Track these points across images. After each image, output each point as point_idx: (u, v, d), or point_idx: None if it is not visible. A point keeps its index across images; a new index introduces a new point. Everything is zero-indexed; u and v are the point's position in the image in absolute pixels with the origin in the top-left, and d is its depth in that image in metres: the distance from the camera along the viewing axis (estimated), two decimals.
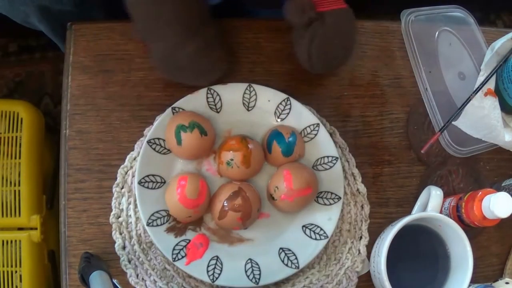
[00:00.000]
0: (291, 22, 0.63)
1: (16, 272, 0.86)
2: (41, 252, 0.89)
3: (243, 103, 0.67)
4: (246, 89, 0.67)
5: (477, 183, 0.71)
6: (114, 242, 0.64)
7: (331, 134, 0.68)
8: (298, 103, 0.67)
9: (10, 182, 0.87)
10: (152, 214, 0.62)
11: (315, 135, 0.67)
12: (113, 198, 0.65)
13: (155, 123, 0.65)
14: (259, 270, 0.63)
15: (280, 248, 0.64)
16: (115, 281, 0.56)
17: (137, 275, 0.63)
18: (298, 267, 0.63)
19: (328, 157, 0.66)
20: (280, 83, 0.70)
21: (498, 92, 0.69)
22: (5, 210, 0.86)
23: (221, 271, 0.62)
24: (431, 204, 0.64)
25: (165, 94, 0.69)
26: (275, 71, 0.71)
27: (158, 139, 0.64)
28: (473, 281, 0.61)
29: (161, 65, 0.64)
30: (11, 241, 0.86)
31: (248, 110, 0.67)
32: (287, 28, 0.66)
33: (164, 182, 0.64)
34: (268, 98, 0.67)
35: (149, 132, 0.64)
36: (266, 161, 0.66)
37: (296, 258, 0.63)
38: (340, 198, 0.65)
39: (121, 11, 0.60)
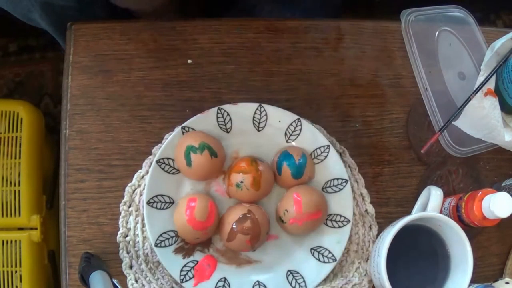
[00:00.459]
0: None
1: (16, 272, 0.86)
2: (41, 252, 0.89)
3: (253, 123, 0.67)
4: (257, 109, 0.66)
5: (477, 183, 0.71)
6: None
7: (340, 154, 0.68)
8: (309, 124, 0.67)
9: (10, 182, 0.87)
10: (160, 235, 0.62)
11: (325, 157, 0.66)
12: (120, 216, 0.65)
13: (165, 143, 0.64)
14: None
15: (288, 271, 0.64)
16: (115, 281, 0.56)
17: None
18: None
19: (337, 179, 0.66)
20: (279, 83, 0.70)
21: (498, 92, 0.69)
22: (5, 210, 0.86)
23: None
24: (431, 204, 0.64)
25: (164, 94, 0.69)
26: (275, 71, 0.71)
27: (167, 158, 0.64)
28: (473, 281, 0.61)
29: None
30: (11, 241, 0.86)
31: (258, 130, 0.67)
32: (287, 28, 0.66)
33: (173, 203, 0.64)
34: (279, 118, 0.67)
35: (158, 152, 0.64)
36: (276, 183, 0.66)
37: (304, 281, 0.64)
38: (349, 221, 0.65)
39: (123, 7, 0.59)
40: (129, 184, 0.66)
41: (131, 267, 0.64)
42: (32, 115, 0.91)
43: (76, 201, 0.65)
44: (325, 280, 0.65)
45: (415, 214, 0.64)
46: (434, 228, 0.64)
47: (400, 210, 0.69)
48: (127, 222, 0.65)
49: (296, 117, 0.67)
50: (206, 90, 0.70)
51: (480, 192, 0.62)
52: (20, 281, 0.85)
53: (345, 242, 0.65)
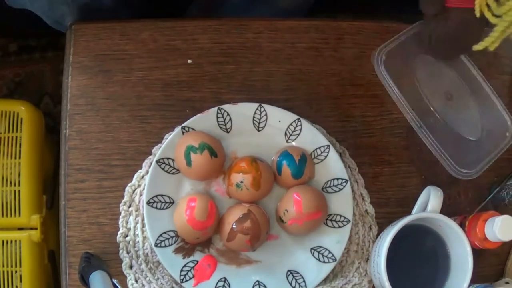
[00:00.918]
0: (422, 10, 0.63)
1: (16, 272, 0.85)
2: (41, 252, 0.88)
3: (253, 123, 0.67)
4: (257, 109, 0.66)
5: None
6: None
7: (340, 154, 0.68)
8: (309, 124, 0.67)
9: (10, 182, 0.87)
10: (160, 235, 0.62)
11: (325, 156, 0.67)
12: (120, 216, 0.65)
13: (165, 143, 0.64)
14: None
15: (288, 270, 0.64)
16: (115, 281, 0.56)
17: None
18: None
19: (337, 179, 0.66)
20: (279, 83, 0.70)
21: None
22: (5, 210, 0.86)
23: None
24: (431, 204, 0.64)
25: (164, 94, 0.69)
26: (275, 71, 0.71)
27: (167, 158, 0.64)
28: (473, 281, 0.61)
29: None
30: (11, 241, 0.86)
31: (258, 130, 0.67)
32: (287, 28, 0.66)
33: (173, 203, 0.64)
34: (279, 118, 0.67)
35: (158, 152, 0.64)
36: (276, 183, 0.66)
37: (304, 281, 0.64)
38: (349, 221, 0.65)
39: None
40: (129, 184, 0.66)
41: (131, 267, 0.64)
42: (32, 115, 0.91)
43: (76, 201, 0.65)
44: (325, 280, 0.65)
45: (415, 214, 0.64)
46: (434, 228, 0.64)
47: (400, 210, 0.69)
48: (127, 222, 0.65)
49: (296, 117, 0.67)
50: (206, 90, 0.70)
51: (486, 213, 0.62)
52: (20, 281, 0.85)
53: (345, 242, 0.65)
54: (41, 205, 0.90)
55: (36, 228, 0.86)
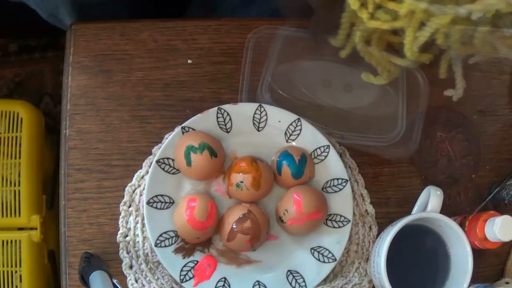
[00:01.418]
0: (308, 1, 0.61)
1: (16, 272, 0.85)
2: (41, 252, 0.88)
3: (253, 123, 0.67)
4: (257, 109, 0.66)
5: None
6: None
7: (340, 154, 0.68)
8: (309, 124, 0.67)
9: (10, 182, 0.87)
10: (160, 235, 0.62)
11: (325, 156, 0.66)
12: (120, 216, 0.65)
13: (165, 143, 0.64)
14: None
15: (288, 270, 0.64)
16: (115, 281, 0.56)
17: None
18: None
19: (337, 179, 0.66)
20: None
21: None
22: (5, 210, 0.86)
23: None
24: (431, 204, 0.64)
25: (164, 94, 0.69)
26: None
27: (167, 158, 0.64)
28: (473, 281, 0.61)
29: None
30: (11, 241, 0.86)
31: (258, 130, 0.67)
32: None
33: (173, 203, 0.64)
34: (279, 118, 0.66)
35: (158, 152, 0.64)
36: (276, 183, 0.66)
37: (304, 281, 0.64)
38: (349, 221, 0.65)
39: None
40: (129, 184, 0.66)
41: (131, 267, 0.64)
42: (32, 115, 0.91)
43: (76, 201, 0.65)
44: (325, 280, 0.65)
45: (415, 214, 0.64)
46: (434, 228, 0.64)
47: (400, 210, 0.69)
48: (127, 222, 0.65)
49: (296, 117, 0.66)
50: (206, 90, 0.70)
51: (486, 214, 0.62)
52: (20, 281, 0.85)
53: (345, 242, 0.65)
54: (41, 205, 0.90)
55: (36, 228, 0.86)
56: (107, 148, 0.67)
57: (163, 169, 0.64)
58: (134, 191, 0.66)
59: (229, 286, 0.63)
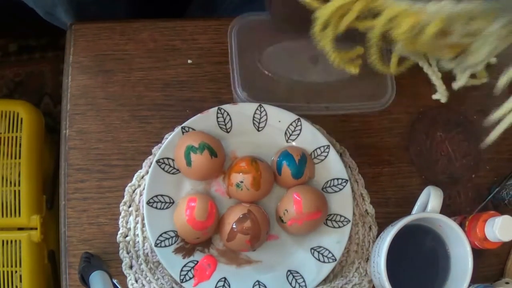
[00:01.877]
0: None
1: (16, 272, 0.86)
2: (41, 252, 0.89)
3: (253, 123, 0.66)
4: (257, 109, 0.66)
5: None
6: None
7: (340, 154, 0.68)
8: (309, 124, 0.67)
9: (10, 182, 0.87)
10: (160, 235, 0.62)
11: (325, 156, 0.66)
12: (120, 216, 0.65)
13: (165, 143, 0.64)
14: None
15: (288, 271, 0.64)
16: (115, 281, 0.56)
17: None
18: None
19: (337, 179, 0.66)
20: None
21: None
22: (5, 210, 0.86)
23: None
24: (431, 204, 0.64)
25: (164, 94, 0.69)
26: None
27: (167, 158, 0.64)
28: (473, 281, 0.61)
29: None
30: (11, 241, 0.86)
31: (258, 130, 0.67)
32: None
33: (173, 203, 0.64)
34: (279, 118, 0.66)
35: (158, 152, 0.64)
36: (276, 183, 0.66)
37: (304, 281, 0.64)
38: (349, 221, 0.65)
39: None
40: (129, 184, 0.66)
41: (131, 267, 0.64)
42: (32, 115, 0.91)
43: (76, 201, 0.65)
44: (325, 280, 0.65)
45: (415, 214, 0.64)
46: (434, 228, 0.64)
47: (400, 210, 0.69)
48: (127, 222, 0.65)
49: (296, 117, 0.66)
50: (206, 90, 0.70)
51: (486, 214, 0.62)
52: (20, 281, 0.85)
53: (345, 242, 0.65)
54: (41, 205, 0.90)
55: (36, 228, 0.86)
56: (107, 148, 0.67)
57: (163, 169, 0.64)
58: (134, 191, 0.66)
59: (229, 286, 0.63)
